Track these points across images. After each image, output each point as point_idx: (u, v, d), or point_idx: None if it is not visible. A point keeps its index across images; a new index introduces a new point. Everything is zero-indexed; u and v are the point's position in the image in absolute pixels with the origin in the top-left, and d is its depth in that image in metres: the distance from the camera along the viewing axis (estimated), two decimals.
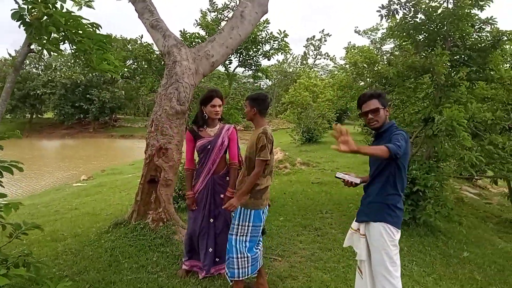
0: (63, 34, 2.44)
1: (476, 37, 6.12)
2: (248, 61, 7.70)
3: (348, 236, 3.18)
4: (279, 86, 45.24)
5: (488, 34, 6.09)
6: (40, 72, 44.45)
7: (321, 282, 3.93)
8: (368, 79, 9.13)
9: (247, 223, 3.48)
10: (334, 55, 54.49)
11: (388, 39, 18.12)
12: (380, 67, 6.24)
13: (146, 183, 5.11)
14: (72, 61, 43.68)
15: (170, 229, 4.86)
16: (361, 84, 9.98)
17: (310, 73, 28.93)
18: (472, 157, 4.78)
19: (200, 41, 7.05)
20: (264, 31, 7.40)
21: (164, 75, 5.37)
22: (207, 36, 6.95)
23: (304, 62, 48.40)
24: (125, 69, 2.87)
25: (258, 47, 7.50)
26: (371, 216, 2.96)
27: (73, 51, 2.51)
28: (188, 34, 7.22)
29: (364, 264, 3.02)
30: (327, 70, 46.60)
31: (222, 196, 3.83)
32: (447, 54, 5.27)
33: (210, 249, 3.82)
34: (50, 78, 41.40)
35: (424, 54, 6.20)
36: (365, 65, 9.23)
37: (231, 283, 3.59)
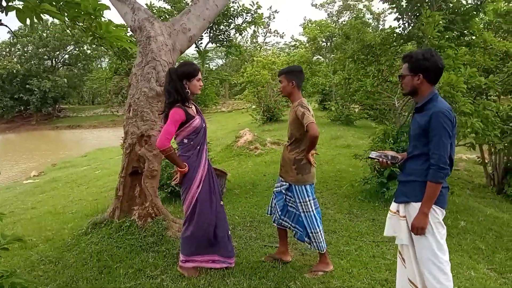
0: None
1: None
2: (219, 36, 7.11)
3: (387, 221, 2.83)
4: (230, 66, 44.27)
5: None
6: None
7: (341, 269, 3.60)
8: (327, 54, 8.90)
9: (306, 199, 3.45)
10: (283, 32, 54.08)
11: (344, 11, 17.97)
12: (366, 35, 5.94)
13: (128, 176, 4.54)
14: (8, 49, 40.37)
15: (161, 224, 4.34)
16: (321, 60, 9.73)
17: (269, 50, 28.46)
18: (475, 123, 4.63)
19: (168, 16, 6.38)
20: (236, 2, 6.85)
21: (137, 53, 4.76)
22: (176, 12, 6.29)
23: (254, 40, 47.70)
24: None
25: (230, 20, 6.95)
26: (411, 196, 2.64)
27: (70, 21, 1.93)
28: (155, 8, 6.52)
29: (408, 249, 2.72)
30: (278, 48, 46.18)
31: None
32: (439, 14, 5.05)
33: (229, 232, 3.55)
34: None
35: (408, 20, 5.99)
36: (323, 39, 8.98)
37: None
